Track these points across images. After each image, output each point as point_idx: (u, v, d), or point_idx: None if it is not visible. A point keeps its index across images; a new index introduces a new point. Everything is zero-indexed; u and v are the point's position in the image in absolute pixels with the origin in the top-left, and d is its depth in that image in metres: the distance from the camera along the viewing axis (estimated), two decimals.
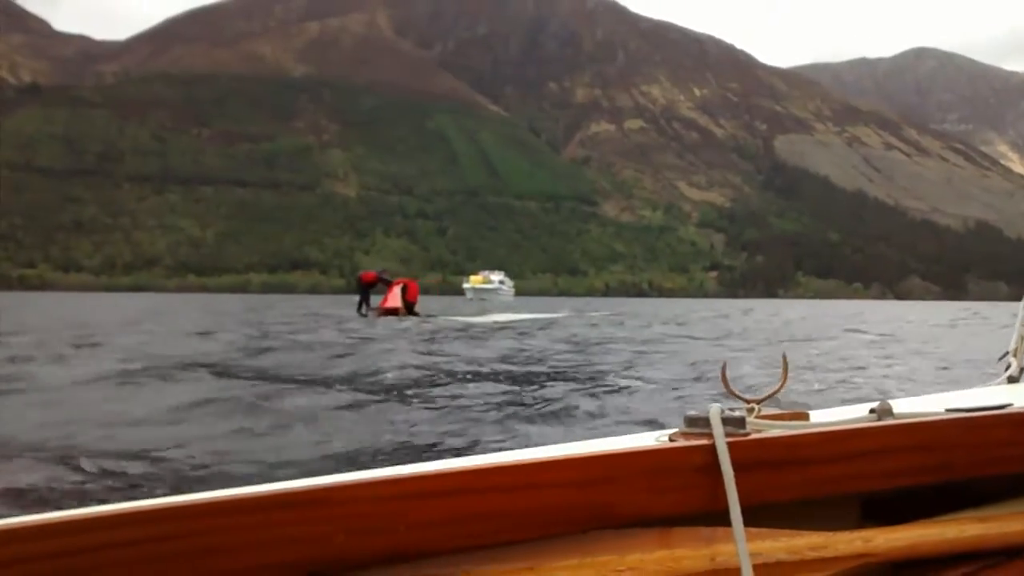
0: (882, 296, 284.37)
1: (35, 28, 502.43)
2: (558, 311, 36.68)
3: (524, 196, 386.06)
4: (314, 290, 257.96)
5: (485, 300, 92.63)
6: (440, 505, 0.87)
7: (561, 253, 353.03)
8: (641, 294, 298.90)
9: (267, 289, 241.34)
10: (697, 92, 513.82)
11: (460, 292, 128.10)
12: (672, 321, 28.97)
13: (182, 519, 0.77)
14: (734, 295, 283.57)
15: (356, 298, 28.05)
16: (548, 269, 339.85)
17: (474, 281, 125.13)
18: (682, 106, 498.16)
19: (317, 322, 22.93)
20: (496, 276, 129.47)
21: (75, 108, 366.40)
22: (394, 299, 25.09)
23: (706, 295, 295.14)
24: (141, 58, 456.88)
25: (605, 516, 0.96)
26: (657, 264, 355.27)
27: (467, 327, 20.10)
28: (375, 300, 26.47)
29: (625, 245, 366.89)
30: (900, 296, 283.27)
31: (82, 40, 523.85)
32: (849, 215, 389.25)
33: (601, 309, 48.36)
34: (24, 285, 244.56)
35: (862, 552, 1.07)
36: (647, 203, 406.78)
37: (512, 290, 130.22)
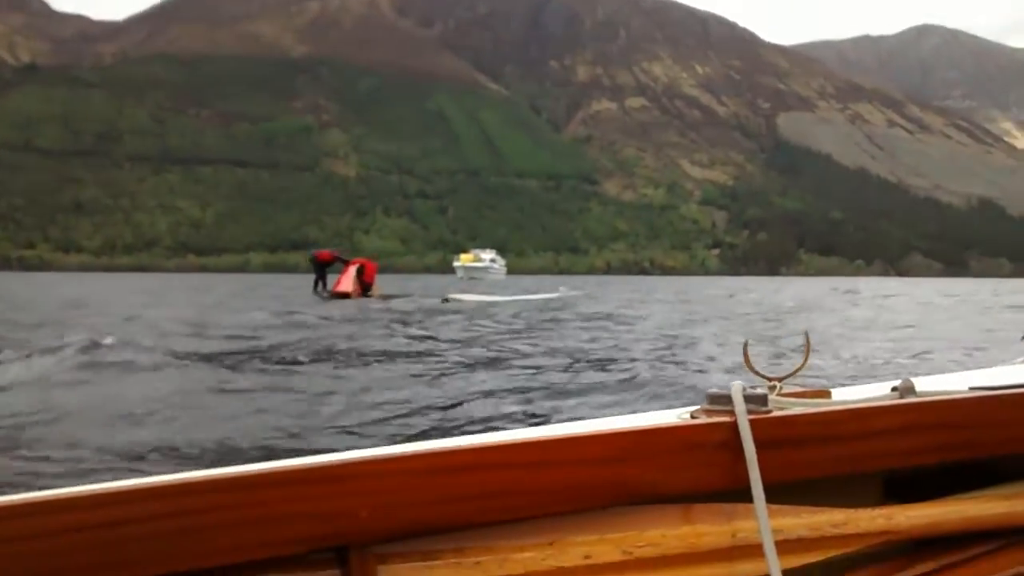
0: (884, 273, 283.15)
1: (34, 8, 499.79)
2: (545, 291, 35.47)
3: (525, 175, 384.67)
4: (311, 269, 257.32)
5: (476, 279, 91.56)
6: (463, 480, 0.88)
7: (562, 232, 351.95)
8: (643, 272, 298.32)
9: (267, 269, 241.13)
10: (699, 70, 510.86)
11: None
12: (636, 301, 28.52)
13: (206, 493, 0.78)
14: (736, 272, 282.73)
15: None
16: (549, 248, 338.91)
17: (464, 259, 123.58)
18: (684, 84, 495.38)
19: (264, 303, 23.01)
20: (487, 255, 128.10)
21: (74, 88, 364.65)
22: (347, 282, 24.34)
23: (708, 273, 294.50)
24: (139, 39, 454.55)
25: (627, 492, 0.97)
26: (659, 242, 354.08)
27: (416, 310, 19.37)
28: (333, 280, 25.73)
29: (627, 223, 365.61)
30: (902, 273, 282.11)
31: (80, 20, 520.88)
32: (852, 193, 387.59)
33: (585, 288, 47.66)
34: (24, 266, 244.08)
35: (884, 529, 1.07)
36: (649, 181, 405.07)
37: (503, 269, 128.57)
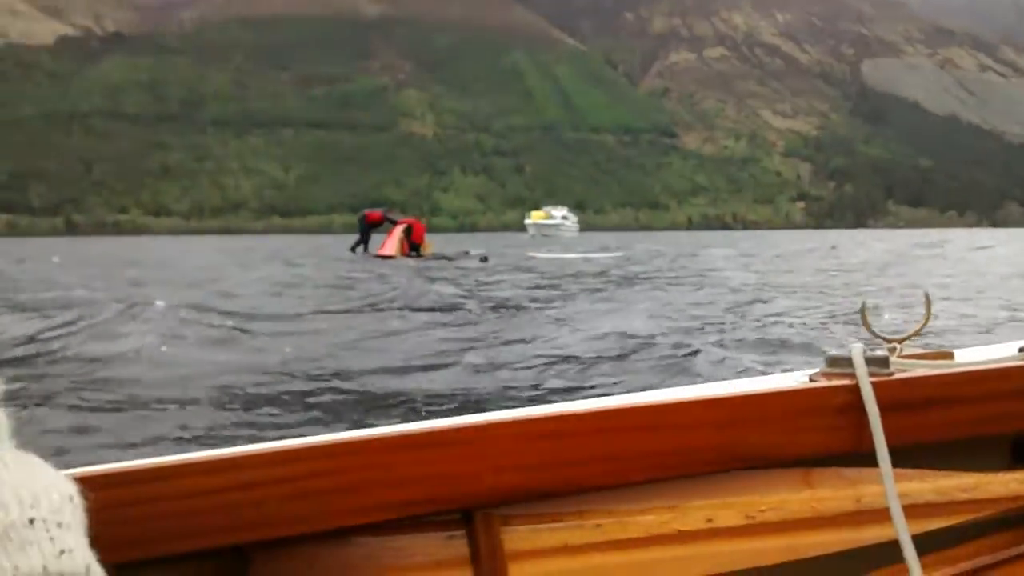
0: (978, 224, 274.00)
1: None
2: (612, 251, 34.13)
3: (601, 130, 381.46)
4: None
5: (548, 236, 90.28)
6: (584, 444, 0.89)
7: (640, 187, 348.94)
8: (725, 227, 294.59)
9: (350, 229, 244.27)
10: (780, 18, 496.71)
11: None
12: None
13: (335, 456, 0.80)
14: (822, 225, 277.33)
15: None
16: (627, 203, 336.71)
17: (535, 217, 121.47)
18: (765, 32, 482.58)
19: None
20: (558, 211, 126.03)
21: (158, 55, 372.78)
22: (390, 246, 23.62)
23: (793, 226, 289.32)
24: (218, 3, 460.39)
25: (746, 456, 0.97)
26: (741, 196, 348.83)
27: (457, 269, 19.19)
28: (378, 241, 24.97)
29: (707, 177, 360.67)
30: (996, 224, 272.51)
31: None
32: (941, 140, 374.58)
33: (658, 244, 46.40)
34: (119, 230, 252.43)
35: (1016, 494, 1.05)
36: (729, 133, 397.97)
37: (576, 226, 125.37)
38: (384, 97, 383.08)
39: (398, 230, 24.06)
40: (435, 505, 0.84)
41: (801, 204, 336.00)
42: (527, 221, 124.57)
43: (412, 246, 23.74)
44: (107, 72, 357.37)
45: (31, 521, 0.49)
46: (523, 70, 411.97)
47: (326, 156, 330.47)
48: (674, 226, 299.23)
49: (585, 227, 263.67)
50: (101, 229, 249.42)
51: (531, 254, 27.95)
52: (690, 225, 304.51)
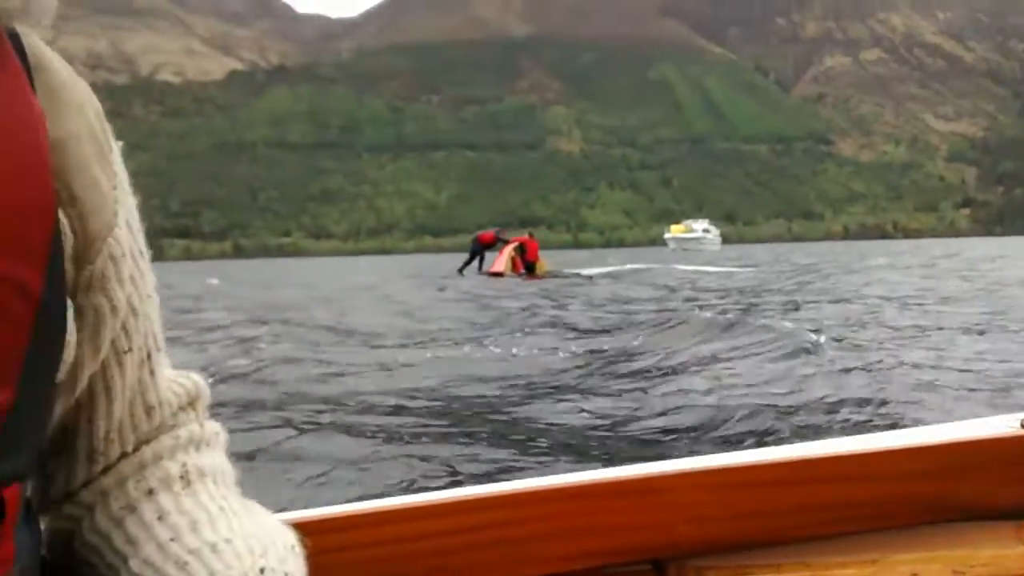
0: None
1: (279, 12, 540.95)
2: (746, 264, 31.76)
3: (753, 140, 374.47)
4: (542, 246, 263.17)
5: (687, 251, 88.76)
6: (779, 494, 0.86)
7: (794, 197, 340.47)
8: (884, 236, 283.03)
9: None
10: (941, 16, 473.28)
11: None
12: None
13: (526, 505, 0.80)
14: (990, 233, 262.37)
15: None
16: (780, 214, 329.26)
17: (675, 231, 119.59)
18: (925, 32, 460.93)
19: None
20: (699, 225, 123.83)
21: (317, 85, 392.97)
22: (499, 263, 23.98)
23: (957, 234, 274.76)
24: (373, 32, 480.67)
25: (953, 508, 0.90)
26: (901, 203, 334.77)
27: (560, 286, 18.24)
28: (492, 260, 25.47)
29: (865, 184, 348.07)
30: None
31: (320, 20, 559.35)
32: None
33: (812, 257, 39.91)
34: (282, 252, 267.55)
35: None
36: (888, 138, 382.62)
37: (718, 239, 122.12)
38: (532, 116, 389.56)
39: (508, 248, 24.43)
40: (627, 555, 0.83)
41: (966, 211, 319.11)
42: (666, 235, 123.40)
43: (526, 265, 23.96)
44: (271, 103, 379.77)
45: (262, 571, 0.54)
46: (671, 82, 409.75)
47: (476, 176, 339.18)
48: (829, 235, 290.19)
49: (735, 239, 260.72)
50: (265, 251, 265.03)
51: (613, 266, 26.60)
52: (846, 235, 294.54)
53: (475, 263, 25.75)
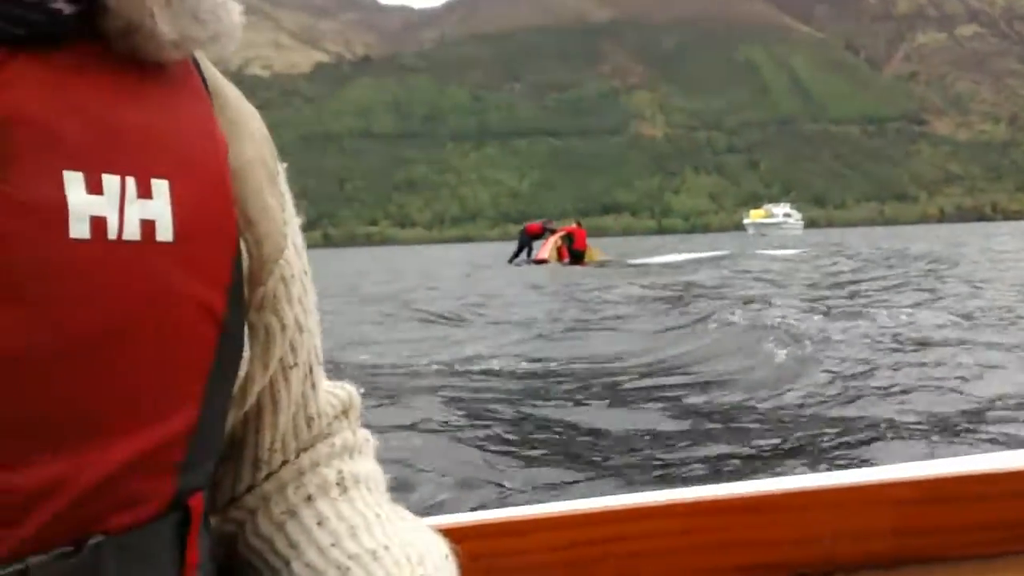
0: None
1: (364, 4, 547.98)
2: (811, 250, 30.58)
3: (843, 120, 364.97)
4: (626, 232, 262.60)
5: (766, 235, 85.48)
6: (928, 512, 0.84)
7: (886, 179, 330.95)
8: (982, 218, 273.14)
9: None
10: None
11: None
12: None
13: (666, 516, 0.80)
14: None
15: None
16: (872, 197, 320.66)
17: (754, 216, 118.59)
18: None
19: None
20: (779, 209, 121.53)
21: (401, 75, 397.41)
22: (544, 251, 24.80)
23: None
24: (455, 22, 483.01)
25: None
26: (1001, 184, 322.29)
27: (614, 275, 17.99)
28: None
29: (961, 165, 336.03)
30: None
31: (404, 11, 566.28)
32: None
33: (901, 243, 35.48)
34: (369, 241, 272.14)
35: None
36: (987, 116, 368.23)
37: (800, 223, 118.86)
38: (614, 100, 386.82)
39: (554, 237, 25.29)
40: (768, 572, 0.82)
41: None
42: (745, 220, 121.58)
43: (573, 253, 24.56)
44: (357, 94, 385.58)
45: None
46: (756, 63, 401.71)
47: (558, 162, 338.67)
48: (924, 218, 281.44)
49: (824, 223, 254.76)
50: (353, 240, 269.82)
51: (638, 261, 26.08)
52: (942, 217, 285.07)
53: (523, 253, 26.58)
